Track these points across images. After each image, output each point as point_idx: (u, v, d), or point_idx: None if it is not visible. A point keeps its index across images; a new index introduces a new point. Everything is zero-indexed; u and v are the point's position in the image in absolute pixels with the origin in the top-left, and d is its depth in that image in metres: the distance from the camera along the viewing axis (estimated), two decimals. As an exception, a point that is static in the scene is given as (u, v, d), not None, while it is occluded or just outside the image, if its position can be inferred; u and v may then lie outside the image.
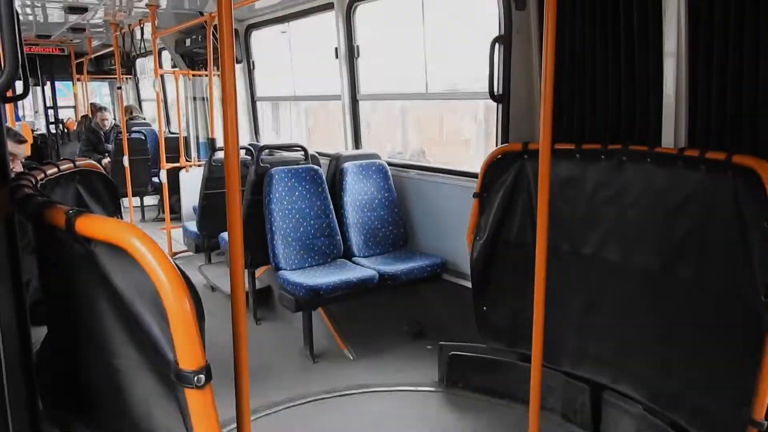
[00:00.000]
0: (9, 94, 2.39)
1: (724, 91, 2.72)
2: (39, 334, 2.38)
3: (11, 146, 3.43)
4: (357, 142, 6.20)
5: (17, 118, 8.45)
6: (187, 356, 1.57)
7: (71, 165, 2.36)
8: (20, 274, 1.91)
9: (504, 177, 3.57)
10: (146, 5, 7.06)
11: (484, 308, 3.74)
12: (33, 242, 2.10)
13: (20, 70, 1.60)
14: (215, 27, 6.92)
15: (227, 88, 2.08)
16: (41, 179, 2.07)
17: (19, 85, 2.28)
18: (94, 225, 1.61)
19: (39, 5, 7.37)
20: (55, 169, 2.23)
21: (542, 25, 3.96)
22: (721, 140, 2.77)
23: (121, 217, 2.63)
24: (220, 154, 6.46)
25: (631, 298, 3.05)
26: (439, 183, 5.19)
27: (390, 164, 5.53)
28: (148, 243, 1.57)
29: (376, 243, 5.28)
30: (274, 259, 4.86)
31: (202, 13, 7.28)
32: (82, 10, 7.43)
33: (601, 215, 3.15)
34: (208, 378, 1.58)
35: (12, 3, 1.45)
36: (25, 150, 3.49)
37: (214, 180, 6.07)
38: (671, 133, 2.93)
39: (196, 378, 1.54)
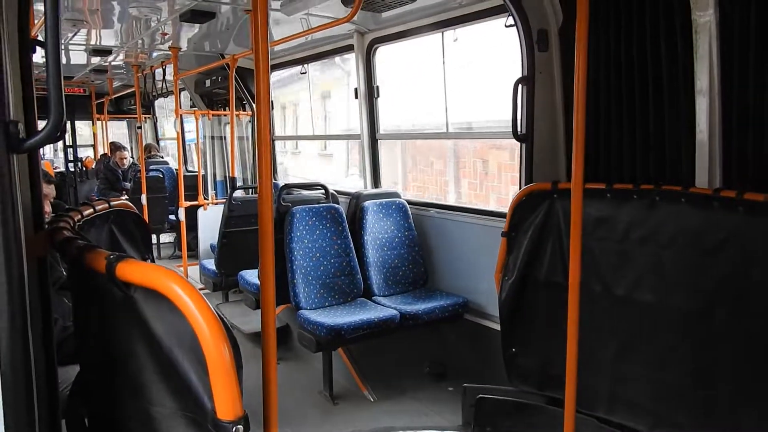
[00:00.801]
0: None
1: (760, 130, 2.69)
2: (64, 373, 2.36)
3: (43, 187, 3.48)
4: (376, 180, 6.22)
5: (39, 157, 8.56)
6: (225, 406, 1.53)
7: (106, 205, 2.37)
8: (51, 313, 1.90)
9: (533, 216, 3.54)
10: (169, 48, 7.23)
11: (513, 350, 3.67)
12: (66, 282, 2.08)
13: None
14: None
15: (263, 130, 2.08)
16: (78, 220, 2.07)
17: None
18: (134, 270, 1.60)
19: (63, 47, 7.56)
20: (91, 210, 2.24)
21: (565, 66, 4.04)
22: (761, 180, 2.72)
23: (153, 257, 2.61)
24: (239, 193, 6.50)
25: (668, 342, 2.97)
26: (459, 222, 5.17)
27: (410, 202, 5.53)
28: (189, 289, 1.55)
29: (397, 282, 5.24)
30: (294, 298, 4.82)
31: (223, 56, 7.43)
32: (105, 52, 7.61)
33: (634, 256, 3.10)
34: (246, 429, 1.54)
35: (59, 59, 1.48)
36: (53, 190, 3.52)
37: (234, 218, 6.09)
38: (705, 172, 2.90)
39: (234, 429, 1.50)
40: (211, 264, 6.46)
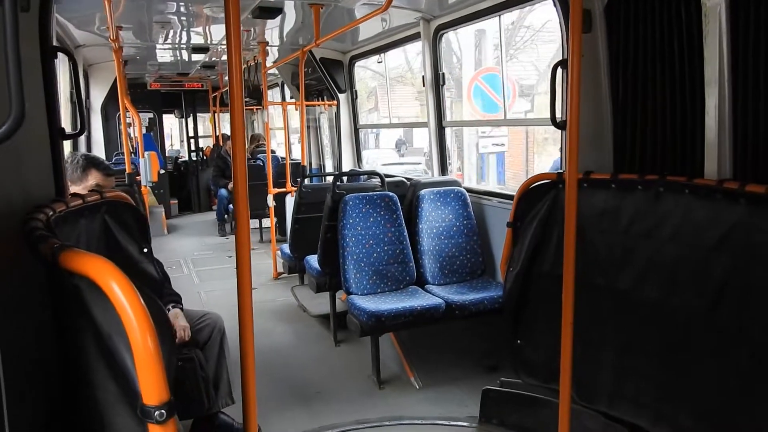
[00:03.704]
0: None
1: None
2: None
3: (100, 178, 3.80)
4: (443, 168, 6.20)
5: (151, 147, 9.43)
6: (149, 391, 1.64)
7: (97, 196, 2.57)
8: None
9: (538, 207, 3.38)
10: (257, 42, 7.66)
11: (518, 341, 3.56)
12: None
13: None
14: (306, 60, 7.34)
15: (236, 121, 2.17)
16: (61, 211, 2.27)
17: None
18: (74, 260, 1.78)
19: (177, 47, 8.27)
20: (80, 201, 2.44)
21: (611, 49, 3.79)
22: None
23: (150, 248, 2.80)
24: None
25: (670, 338, 2.75)
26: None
27: (469, 191, 5.46)
28: (120, 280, 1.69)
29: (453, 271, 5.22)
30: (345, 283, 4.99)
31: (307, 48, 7.74)
32: (203, 50, 8.22)
33: (638, 249, 2.89)
34: (170, 414, 1.59)
35: (18, 47, 1.60)
36: (112, 182, 3.83)
37: (304, 205, 6.36)
38: (714, 164, 2.63)
39: (157, 413, 1.55)
40: (287, 248, 6.82)
